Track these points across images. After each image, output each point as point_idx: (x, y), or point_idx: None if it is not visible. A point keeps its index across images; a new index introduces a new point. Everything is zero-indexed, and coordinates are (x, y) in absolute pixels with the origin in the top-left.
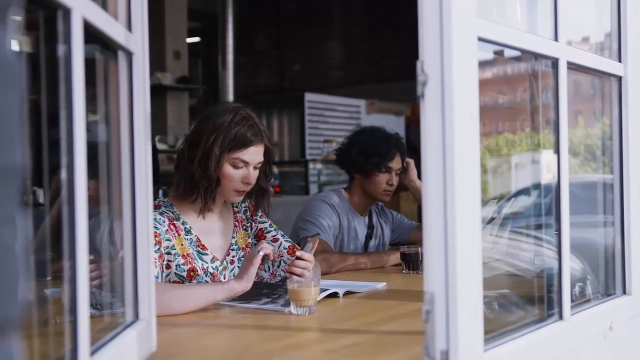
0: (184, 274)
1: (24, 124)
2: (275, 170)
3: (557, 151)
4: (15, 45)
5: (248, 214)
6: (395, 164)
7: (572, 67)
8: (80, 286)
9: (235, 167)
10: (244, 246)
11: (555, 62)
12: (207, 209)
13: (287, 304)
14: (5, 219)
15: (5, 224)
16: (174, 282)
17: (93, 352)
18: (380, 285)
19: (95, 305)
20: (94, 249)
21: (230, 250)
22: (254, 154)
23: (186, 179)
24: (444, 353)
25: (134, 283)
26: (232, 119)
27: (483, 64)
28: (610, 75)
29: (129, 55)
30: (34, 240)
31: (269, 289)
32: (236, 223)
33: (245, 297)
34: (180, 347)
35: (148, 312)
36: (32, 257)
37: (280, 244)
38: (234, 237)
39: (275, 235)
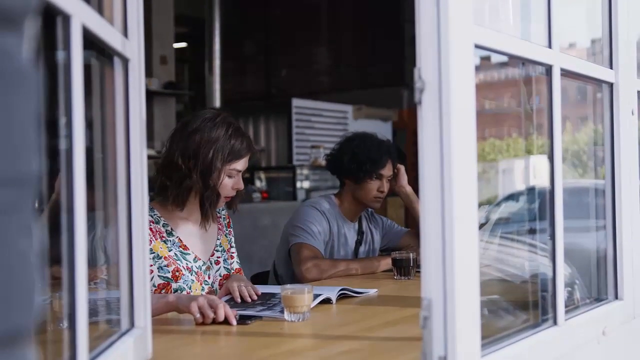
0: (169, 274)
1: (39, 133)
2: (263, 175)
3: (551, 157)
4: (30, 54)
5: (225, 222)
6: (387, 171)
7: (565, 73)
8: (79, 294)
9: (229, 176)
10: (227, 248)
11: (549, 69)
12: (212, 219)
13: (283, 311)
14: (22, 229)
15: (23, 233)
16: (159, 285)
17: None
18: (373, 292)
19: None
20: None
21: (215, 251)
22: (246, 162)
23: (185, 191)
24: (442, 359)
25: (129, 291)
26: (226, 132)
27: None
28: (601, 81)
29: (125, 61)
30: None
31: (262, 299)
32: (220, 227)
33: (240, 305)
34: (175, 354)
35: (144, 320)
36: None
37: (232, 263)
38: (218, 239)
39: (234, 253)
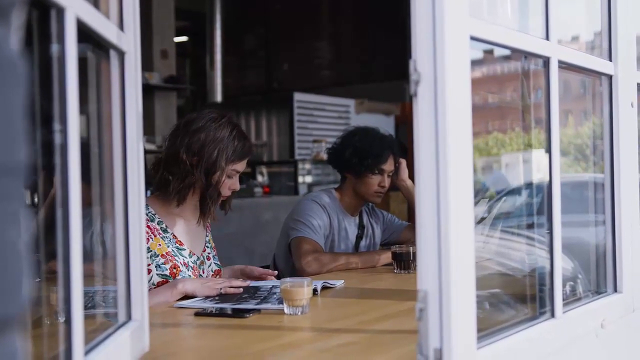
0: (167, 272)
1: (27, 123)
2: (264, 170)
3: (549, 150)
4: (18, 44)
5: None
6: (388, 166)
7: (563, 66)
8: (74, 287)
9: (229, 177)
10: (214, 246)
11: (546, 61)
12: (212, 217)
13: (282, 301)
14: (9, 217)
15: (10, 221)
16: (158, 283)
17: (86, 353)
18: (339, 283)
19: (87, 305)
20: (84, 249)
21: (205, 247)
22: (245, 165)
23: (186, 187)
24: (438, 351)
25: (126, 284)
26: (230, 133)
27: (473, 63)
28: (600, 74)
29: (121, 54)
30: None
31: (250, 292)
32: (208, 225)
33: (231, 300)
34: (172, 347)
35: (141, 313)
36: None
37: (210, 265)
38: (207, 236)
39: (214, 253)
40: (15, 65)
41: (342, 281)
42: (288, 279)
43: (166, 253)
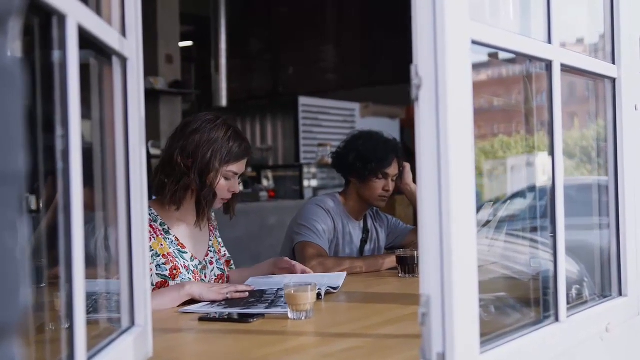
0: (167, 272)
1: (24, 130)
2: (270, 174)
3: (552, 153)
4: (15, 52)
5: (215, 224)
6: (392, 170)
7: (566, 69)
8: (77, 292)
9: (226, 178)
10: (218, 250)
11: (549, 65)
12: (207, 218)
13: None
14: (6, 224)
15: (7, 228)
16: (157, 283)
17: (89, 358)
18: (342, 277)
19: (90, 310)
20: (89, 255)
21: (208, 252)
22: (242, 166)
23: (182, 189)
24: (441, 355)
25: (129, 289)
26: (225, 134)
27: (477, 66)
28: (604, 77)
29: (124, 60)
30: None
31: (256, 297)
32: (211, 228)
33: (238, 305)
34: (176, 352)
35: (144, 318)
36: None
37: (224, 263)
38: (210, 240)
39: (225, 251)
40: (12, 73)
41: (344, 273)
42: (292, 284)
43: (167, 254)
